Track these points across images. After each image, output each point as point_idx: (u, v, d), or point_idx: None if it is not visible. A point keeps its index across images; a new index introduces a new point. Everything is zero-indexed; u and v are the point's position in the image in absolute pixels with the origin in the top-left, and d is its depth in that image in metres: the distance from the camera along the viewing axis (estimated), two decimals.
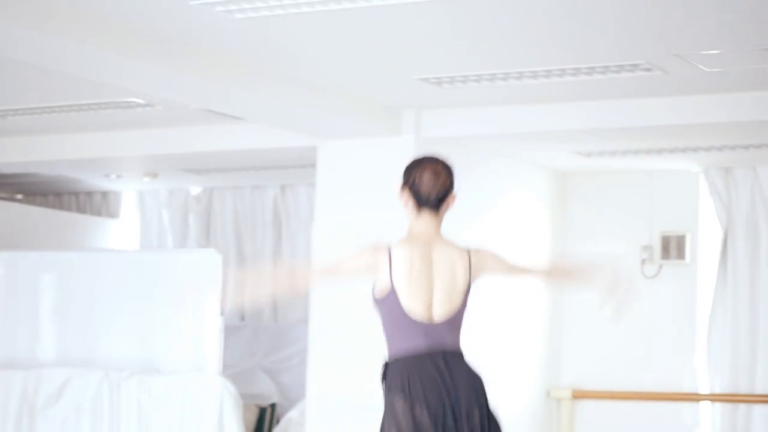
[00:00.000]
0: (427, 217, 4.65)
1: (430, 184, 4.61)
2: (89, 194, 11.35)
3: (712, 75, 6.68)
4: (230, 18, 5.75)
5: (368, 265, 4.58)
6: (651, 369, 9.08)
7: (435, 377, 4.51)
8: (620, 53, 6.36)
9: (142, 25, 5.97)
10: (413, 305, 4.54)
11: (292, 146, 8.37)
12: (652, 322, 9.11)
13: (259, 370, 9.69)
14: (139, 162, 9.60)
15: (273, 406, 9.16)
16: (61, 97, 7.77)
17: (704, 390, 8.98)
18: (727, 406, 8.89)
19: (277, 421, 9.09)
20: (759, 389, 8.77)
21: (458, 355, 4.59)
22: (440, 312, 4.57)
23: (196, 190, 10.89)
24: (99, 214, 11.26)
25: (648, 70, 6.60)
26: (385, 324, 4.62)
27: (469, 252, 4.64)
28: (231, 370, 8.99)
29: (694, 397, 8.98)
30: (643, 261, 9.17)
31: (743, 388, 8.81)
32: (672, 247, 9.07)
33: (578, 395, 9.21)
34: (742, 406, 8.85)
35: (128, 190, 11.18)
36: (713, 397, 8.91)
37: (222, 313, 8.23)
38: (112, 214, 11.25)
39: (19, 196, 11.39)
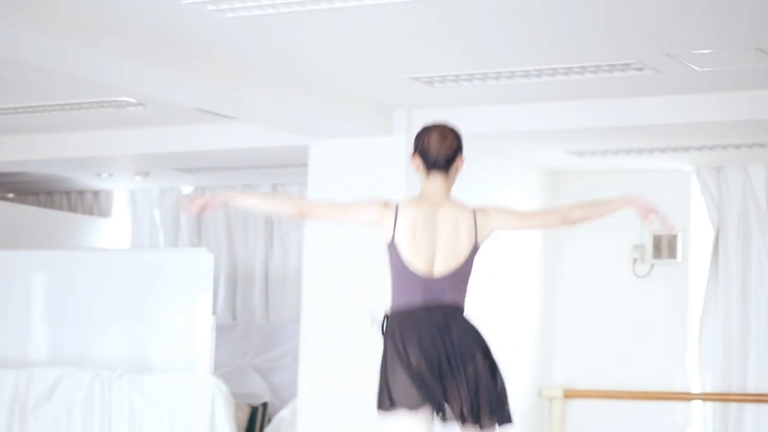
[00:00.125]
0: (437, 178, 4.75)
1: (437, 146, 4.73)
2: (81, 193, 11.34)
3: (703, 74, 6.69)
4: (222, 17, 5.74)
5: (374, 218, 4.70)
6: (642, 368, 9.08)
7: (430, 326, 4.60)
8: (612, 53, 6.36)
9: (132, 24, 5.96)
10: (414, 259, 4.63)
11: (284, 145, 8.37)
12: (644, 322, 9.12)
13: (251, 369, 9.68)
14: (130, 161, 9.59)
15: (264, 405, 9.16)
16: (52, 97, 7.75)
17: (696, 389, 8.98)
18: (719, 405, 8.89)
19: (269, 420, 9.08)
20: (750, 388, 8.78)
21: (457, 310, 4.67)
22: (441, 267, 4.65)
23: (187, 189, 10.87)
24: (91, 213, 11.25)
25: (640, 69, 6.60)
26: (391, 275, 4.72)
27: (474, 212, 4.72)
28: (222, 369, 8.99)
29: (685, 397, 8.98)
30: (635, 260, 9.17)
31: (735, 387, 8.81)
32: (663, 246, 9.07)
33: (570, 394, 9.21)
34: (734, 406, 8.86)
35: (120, 189, 11.16)
36: (705, 397, 8.91)
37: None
38: (104, 213, 11.23)
39: (11, 195, 11.37)
